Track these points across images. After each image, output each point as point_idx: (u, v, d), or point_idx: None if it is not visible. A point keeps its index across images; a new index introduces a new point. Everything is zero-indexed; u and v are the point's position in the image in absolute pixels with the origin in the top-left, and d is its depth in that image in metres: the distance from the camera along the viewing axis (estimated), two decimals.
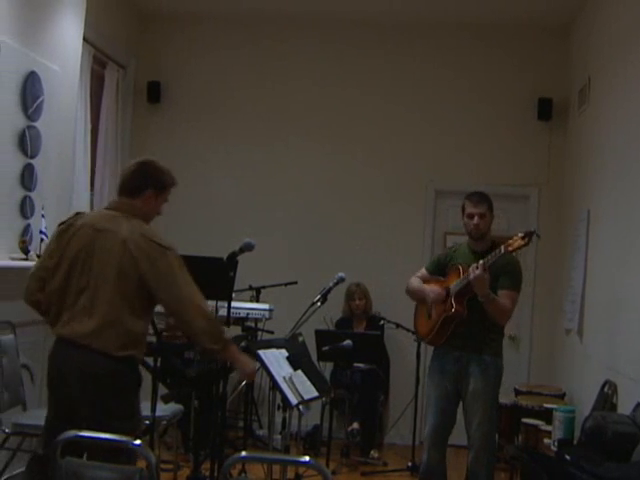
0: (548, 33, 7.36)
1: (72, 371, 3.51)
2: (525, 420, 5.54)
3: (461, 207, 4.95)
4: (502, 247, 4.56)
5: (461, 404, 4.86)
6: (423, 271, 5.08)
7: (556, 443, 4.80)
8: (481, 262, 4.54)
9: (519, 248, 4.51)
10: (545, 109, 7.32)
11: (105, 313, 3.51)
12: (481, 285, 4.55)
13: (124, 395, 3.56)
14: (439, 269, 4.99)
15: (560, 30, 7.29)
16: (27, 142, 5.21)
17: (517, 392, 6.45)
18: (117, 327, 3.52)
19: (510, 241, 4.52)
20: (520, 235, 4.49)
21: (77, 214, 3.84)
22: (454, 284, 4.73)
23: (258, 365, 4.03)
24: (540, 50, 7.41)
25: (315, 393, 4.27)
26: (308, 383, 4.27)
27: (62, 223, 3.80)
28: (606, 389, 5.13)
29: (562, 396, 6.25)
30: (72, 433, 2.74)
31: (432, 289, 4.83)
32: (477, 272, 4.50)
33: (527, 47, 7.43)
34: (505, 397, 6.53)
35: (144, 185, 3.76)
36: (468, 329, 4.74)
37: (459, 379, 4.80)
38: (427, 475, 4.89)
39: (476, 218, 4.81)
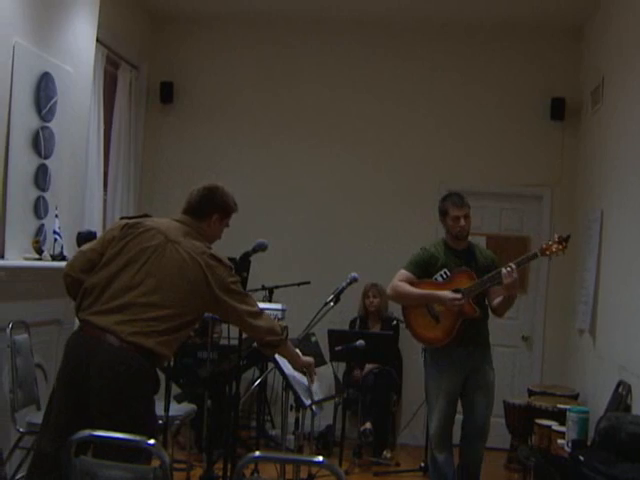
0: (561, 33, 7.34)
1: (97, 364, 3.43)
2: (538, 421, 5.52)
3: (439, 209, 5.08)
4: (538, 251, 4.77)
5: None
6: (406, 274, 5.01)
7: (570, 444, 4.78)
8: (513, 265, 4.67)
9: (556, 252, 4.73)
10: (558, 109, 7.30)
11: (162, 315, 3.52)
12: (515, 287, 4.73)
13: (143, 396, 3.54)
14: (424, 271, 4.99)
15: (573, 30, 7.27)
16: (41, 143, 5.23)
17: (530, 392, 6.44)
18: (165, 331, 3.52)
19: (545, 246, 4.74)
20: (556, 240, 4.72)
21: (145, 215, 3.93)
22: (469, 287, 4.80)
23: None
24: (553, 50, 7.39)
25: (329, 393, 4.27)
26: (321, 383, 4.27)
27: (127, 217, 3.87)
28: (620, 390, 5.12)
29: (576, 397, 6.24)
30: (86, 432, 2.75)
31: (451, 295, 4.82)
32: (514, 275, 4.64)
33: (540, 47, 7.41)
34: (518, 397, 6.54)
35: (212, 210, 3.90)
36: (476, 326, 4.93)
37: (469, 374, 4.95)
38: (443, 469, 4.98)
39: (462, 220, 4.95)
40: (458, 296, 4.80)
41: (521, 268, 4.76)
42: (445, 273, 4.94)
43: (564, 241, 4.71)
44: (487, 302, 5.00)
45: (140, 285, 3.55)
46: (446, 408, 4.95)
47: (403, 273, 5.02)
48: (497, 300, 4.90)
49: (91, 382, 3.42)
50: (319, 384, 4.22)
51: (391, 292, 5.05)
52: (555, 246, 4.71)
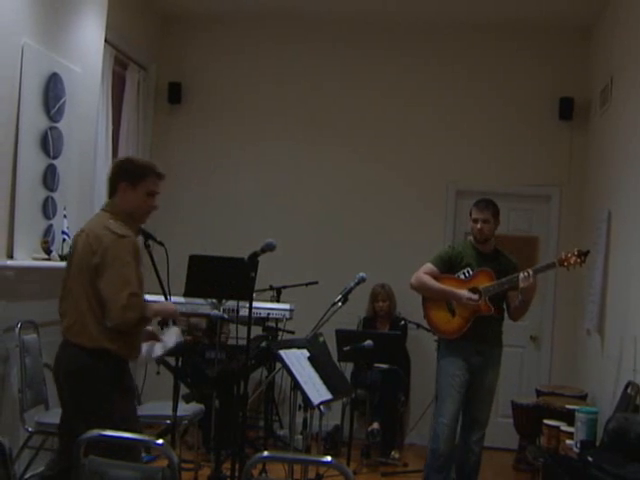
0: (570, 33, 7.33)
1: (59, 368, 3.74)
2: (547, 421, 5.51)
3: (469, 211, 5.33)
4: (556, 261, 5.04)
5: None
6: (432, 268, 5.26)
7: (578, 445, 4.77)
8: (531, 271, 4.93)
9: (574, 265, 4.97)
10: (566, 109, 7.28)
11: (74, 308, 3.67)
12: (532, 292, 5.00)
13: (97, 390, 3.62)
14: (448, 267, 5.24)
15: (582, 30, 7.25)
16: (49, 143, 5.25)
17: (539, 393, 6.42)
18: (86, 321, 3.63)
19: (564, 257, 4.99)
20: (575, 253, 4.95)
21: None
22: (487, 287, 5.07)
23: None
24: (561, 50, 7.38)
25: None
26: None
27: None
28: (629, 390, 5.10)
29: (584, 397, 6.22)
30: (95, 432, 2.76)
31: (468, 295, 5.07)
32: (531, 280, 4.91)
33: (549, 47, 7.40)
34: (527, 398, 6.53)
35: (118, 180, 3.80)
36: (488, 324, 5.16)
37: (476, 369, 5.17)
38: (445, 461, 5.15)
39: (480, 223, 5.18)
40: (475, 297, 5.06)
41: (539, 274, 5.01)
42: (468, 272, 5.19)
43: (583, 255, 4.95)
44: (505, 305, 5.27)
45: (66, 288, 3.76)
46: (457, 401, 5.15)
47: (428, 266, 5.27)
48: (514, 304, 5.17)
49: (61, 386, 3.77)
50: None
51: (415, 282, 5.26)
52: (574, 259, 4.95)
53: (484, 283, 5.10)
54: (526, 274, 4.94)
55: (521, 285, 4.95)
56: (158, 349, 4.06)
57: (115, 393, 3.67)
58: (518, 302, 5.11)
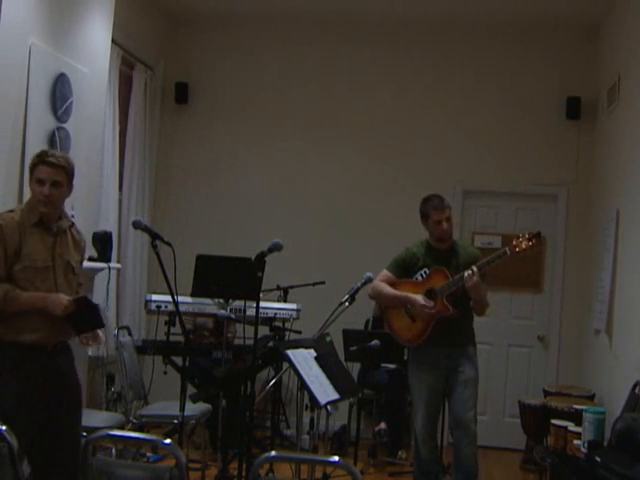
0: (577, 32, 7.31)
1: None
2: (554, 421, 5.50)
3: (420, 212, 5.10)
4: (507, 249, 4.68)
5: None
6: (388, 274, 5.10)
7: (586, 445, 4.77)
8: (475, 268, 4.69)
9: (526, 249, 4.65)
10: (574, 108, 7.27)
11: None
12: (478, 290, 4.76)
13: None
14: (404, 271, 5.07)
15: (589, 29, 7.24)
16: (57, 143, 5.26)
17: (546, 393, 6.42)
18: None
19: (515, 242, 4.67)
20: (526, 236, 4.64)
21: None
22: (442, 286, 4.83)
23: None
24: (569, 49, 7.36)
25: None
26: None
27: None
28: (637, 390, 5.09)
29: (592, 397, 6.21)
30: (104, 432, 2.77)
31: (422, 302, 4.85)
32: (474, 279, 4.67)
33: (556, 46, 7.38)
34: (534, 398, 6.52)
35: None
36: (453, 325, 4.89)
37: (449, 373, 4.96)
38: (427, 466, 5.05)
39: (444, 223, 4.96)
40: (429, 304, 4.84)
41: (491, 267, 4.75)
42: (425, 272, 4.99)
43: (534, 237, 4.65)
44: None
45: None
46: (428, 406, 4.99)
47: (384, 273, 5.12)
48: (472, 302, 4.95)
49: None
50: None
51: (370, 291, 5.08)
52: (525, 243, 4.66)
53: (440, 283, 4.87)
54: (470, 272, 4.70)
55: (466, 284, 4.72)
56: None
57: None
58: (472, 302, 4.91)
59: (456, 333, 4.94)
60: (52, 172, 3.71)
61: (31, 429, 3.62)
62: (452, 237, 5.09)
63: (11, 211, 3.78)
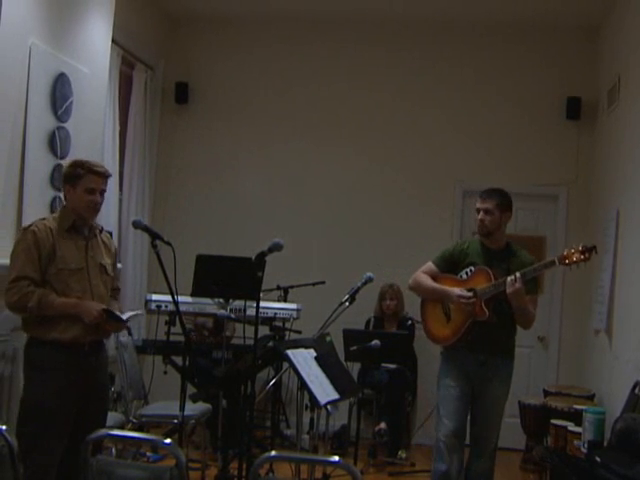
0: (577, 32, 7.31)
1: None
2: (554, 421, 5.50)
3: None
4: (556, 259, 4.40)
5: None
6: (431, 267, 4.79)
7: (586, 445, 4.77)
8: (518, 274, 4.38)
9: (577, 262, 4.32)
10: (574, 108, 7.27)
11: None
12: (519, 298, 4.43)
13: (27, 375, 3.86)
14: (450, 266, 4.75)
15: (589, 30, 7.24)
16: (57, 143, 5.26)
17: (546, 393, 6.42)
18: None
19: (566, 253, 4.35)
20: (579, 249, 4.32)
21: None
22: (483, 288, 4.50)
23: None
24: (569, 49, 7.37)
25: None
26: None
27: None
28: (637, 391, 5.09)
29: (592, 397, 6.21)
30: (103, 432, 2.77)
31: (459, 292, 4.55)
32: (517, 285, 4.36)
33: (556, 47, 7.38)
34: (534, 398, 6.52)
35: (63, 184, 4.05)
36: (492, 332, 4.56)
37: (478, 383, 4.62)
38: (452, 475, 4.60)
39: (481, 213, 4.67)
40: (467, 294, 4.51)
41: (535, 275, 4.46)
42: (470, 270, 4.66)
43: (587, 251, 4.31)
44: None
45: None
46: (455, 413, 4.61)
47: (428, 265, 4.81)
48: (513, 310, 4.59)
49: None
50: None
51: (411, 281, 4.84)
52: (577, 255, 4.31)
53: (482, 284, 4.53)
54: (513, 277, 4.38)
55: (507, 290, 4.39)
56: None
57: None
58: (513, 309, 4.53)
59: (492, 341, 4.57)
60: (102, 181, 3.99)
61: (68, 428, 3.79)
62: (502, 238, 4.71)
63: (43, 219, 3.97)
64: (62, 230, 3.91)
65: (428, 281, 4.75)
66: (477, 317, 4.51)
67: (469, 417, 4.69)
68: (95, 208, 3.98)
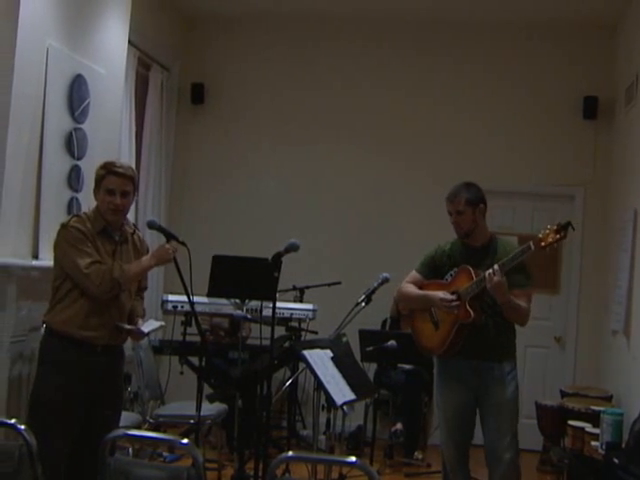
0: (594, 31, 7.28)
1: None
2: (571, 422, 5.46)
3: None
4: (531, 243, 4.01)
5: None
6: (415, 275, 4.52)
7: (604, 446, 4.73)
8: (496, 266, 4.04)
9: (553, 243, 3.98)
10: (591, 108, 7.23)
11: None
12: (501, 292, 4.07)
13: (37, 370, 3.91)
14: (434, 271, 4.47)
15: (606, 28, 7.20)
16: (74, 144, 5.28)
17: (563, 394, 6.38)
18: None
19: (541, 236, 3.98)
20: (553, 228, 3.98)
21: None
22: (466, 288, 4.19)
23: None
24: (586, 48, 7.33)
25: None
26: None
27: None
28: None
29: (609, 398, 6.17)
30: (121, 431, 2.77)
31: (441, 295, 4.25)
32: (495, 279, 4.01)
33: (573, 45, 7.35)
34: (551, 399, 6.48)
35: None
36: (483, 334, 4.24)
37: (479, 392, 4.32)
38: None
39: (453, 216, 4.39)
40: (449, 297, 4.22)
41: (511, 266, 4.05)
42: (454, 272, 4.37)
43: (562, 229, 3.97)
44: None
45: None
46: (456, 428, 4.39)
47: (412, 274, 4.55)
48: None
49: None
50: None
51: (396, 294, 4.69)
52: (552, 236, 3.96)
53: (465, 283, 4.21)
54: (490, 271, 4.03)
55: (487, 285, 4.05)
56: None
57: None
58: (499, 305, 4.17)
59: (486, 345, 4.25)
60: (121, 182, 3.90)
61: (73, 428, 3.73)
62: (483, 233, 4.40)
63: (76, 215, 3.97)
64: (94, 232, 3.88)
65: (412, 289, 4.48)
66: (462, 320, 4.19)
67: (482, 428, 4.38)
68: (115, 210, 3.89)
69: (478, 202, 4.37)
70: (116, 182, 3.89)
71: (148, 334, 4.14)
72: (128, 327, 3.95)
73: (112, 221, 3.92)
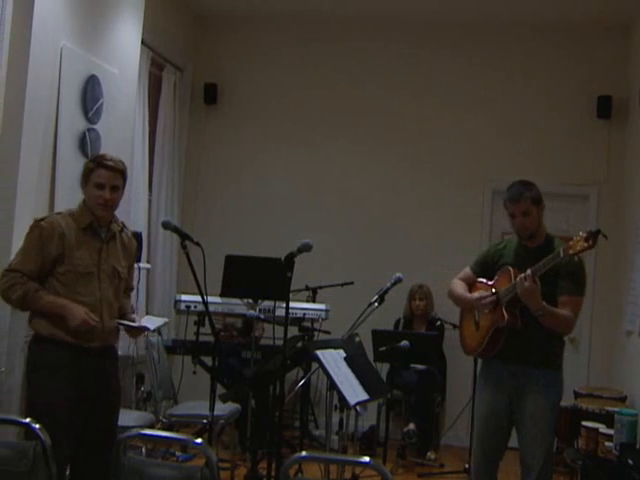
0: (608, 31, 7.25)
1: None
2: (585, 423, 5.44)
3: (503, 204, 4.28)
4: (561, 250, 3.86)
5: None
6: (468, 272, 4.40)
7: (618, 447, 4.71)
8: (529, 272, 3.87)
9: (582, 252, 3.83)
10: (605, 107, 7.20)
11: None
12: (531, 299, 3.90)
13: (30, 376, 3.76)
14: (486, 269, 4.31)
15: (620, 28, 7.18)
16: (87, 144, 5.30)
17: (577, 394, 6.35)
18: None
19: (571, 243, 3.82)
20: (583, 236, 3.80)
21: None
22: (504, 290, 4.05)
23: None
24: (600, 48, 7.31)
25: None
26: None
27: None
28: None
29: (623, 399, 6.14)
30: (134, 431, 2.78)
31: (479, 296, 4.15)
32: (525, 284, 3.85)
33: (587, 45, 7.33)
34: (564, 399, 6.43)
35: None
36: (524, 340, 4.07)
37: (515, 397, 4.14)
38: None
39: (519, 218, 4.16)
40: (485, 294, 4.12)
41: (542, 272, 3.89)
42: (499, 272, 4.21)
43: (592, 237, 3.78)
44: None
45: None
46: (486, 433, 4.21)
47: (465, 270, 4.43)
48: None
49: None
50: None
51: (448, 291, 4.47)
52: (581, 244, 3.79)
53: (505, 285, 4.07)
54: (522, 275, 3.88)
55: (517, 290, 3.90)
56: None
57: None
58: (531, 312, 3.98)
59: (525, 349, 4.08)
60: (111, 176, 3.74)
61: (73, 429, 3.62)
62: (543, 233, 4.25)
63: (58, 213, 3.81)
64: (79, 229, 3.71)
65: (458, 288, 4.36)
66: (497, 323, 4.06)
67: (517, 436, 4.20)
68: (105, 205, 3.72)
69: (541, 200, 4.25)
70: (106, 176, 3.73)
71: (154, 330, 4.08)
72: (129, 324, 3.86)
73: (101, 217, 3.76)
